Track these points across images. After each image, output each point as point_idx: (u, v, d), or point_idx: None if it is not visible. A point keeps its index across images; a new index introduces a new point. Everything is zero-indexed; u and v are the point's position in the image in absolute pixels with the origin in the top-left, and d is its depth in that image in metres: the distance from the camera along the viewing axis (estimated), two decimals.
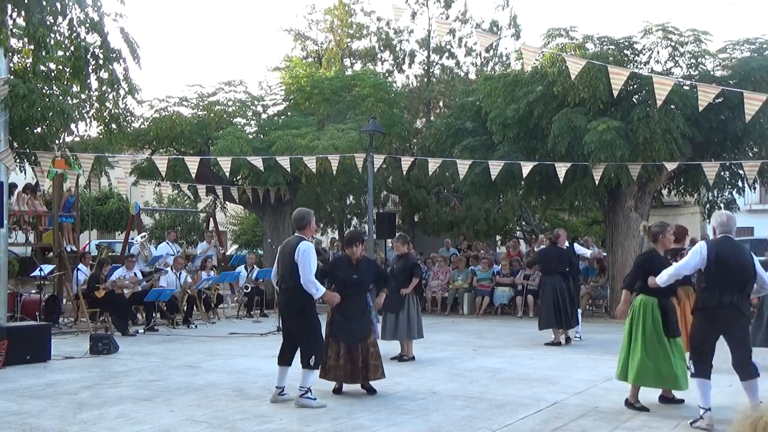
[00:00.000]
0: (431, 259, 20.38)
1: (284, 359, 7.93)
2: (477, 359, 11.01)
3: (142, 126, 20.13)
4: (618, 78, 12.64)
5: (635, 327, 7.45)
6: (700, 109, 12.71)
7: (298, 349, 7.81)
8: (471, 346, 12.26)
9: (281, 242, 8.84)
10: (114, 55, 14.09)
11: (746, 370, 6.68)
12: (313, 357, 7.65)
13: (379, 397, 8.14)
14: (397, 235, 14.23)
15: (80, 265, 15.49)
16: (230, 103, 21.35)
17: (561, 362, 10.67)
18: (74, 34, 13.05)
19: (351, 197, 27.37)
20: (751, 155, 16.98)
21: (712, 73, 16.63)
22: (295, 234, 7.95)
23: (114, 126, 15.92)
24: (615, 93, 13.21)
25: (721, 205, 18.88)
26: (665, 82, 12.51)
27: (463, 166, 16.70)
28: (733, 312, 6.63)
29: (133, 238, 18.98)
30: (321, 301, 8.05)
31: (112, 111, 15.57)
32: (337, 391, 8.39)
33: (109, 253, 24.60)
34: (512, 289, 18.32)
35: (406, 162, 18.57)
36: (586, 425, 6.80)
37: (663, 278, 7.07)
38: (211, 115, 20.55)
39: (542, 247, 14.59)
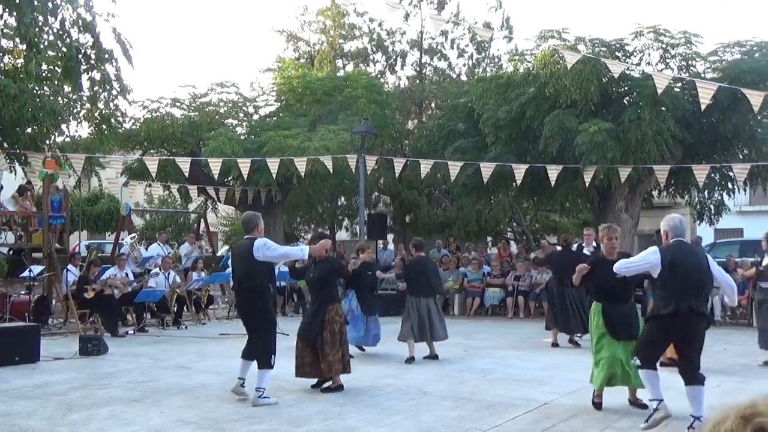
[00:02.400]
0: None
1: (247, 354, 8.04)
2: (467, 360, 11.01)
3: (134, 127, 20.08)
4: (616, 68, 12.82)
5: (594, 332, 7.57)
6: (702, 107, 12.81)
7: (254, 347, 7.95)
8: (461, 347, 12.26)
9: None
10: (106, 56, 14.07)
11: (692, 375, 6.54)
12: (272, 357, 7.81)
13: (369, 397, 8.14)
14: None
15: (70, 266, 15.42)
16: (222, 104, 21.34)
17: (551, 363, 10.69)
18: (66, 35, 13.02)
19: (342, 198, 27.37)
20: (741, 157, 17.08)
21: (703, 75, 16.73)
22: (246, 237, 8.18)
23: (105, 126, 15.88)
24: (616, 75, 13.31)
25: (711, 207, 19.00)
26: (663, 77, 12.69)
27: (454, 168, 16.73)
28: (692, 317, 6.46)
29: (123, 239, 18.91)
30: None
31: (104, 111, 15.53)
32: (319, 384, 8.54)
33: (99, 254, 24.50)
34: (503, 290, 18.33)
35: (398, 163, 18.61)
36: (576, 425, 6.82)
37: (619, 267, 6.89)
38: (203, 115, 20.53)
39: (558, 248, 14.37)
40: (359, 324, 11.23)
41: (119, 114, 16.39)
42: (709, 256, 7.01)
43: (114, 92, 14.80)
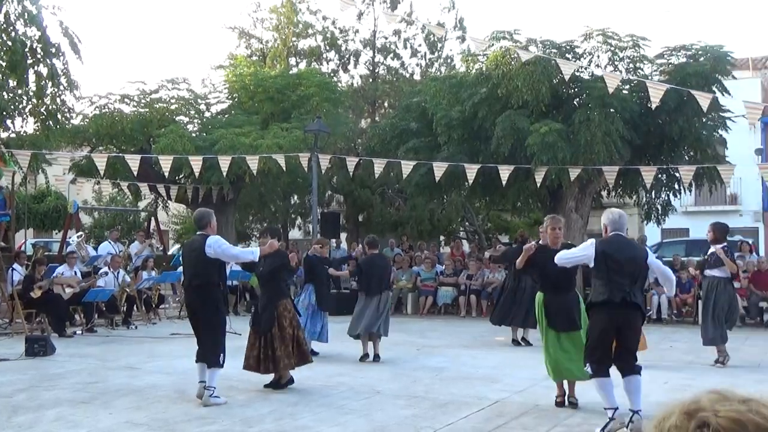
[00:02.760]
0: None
1: (201, 357, 7.99)
2: (420, 359, 11.06)
3: (82, 123, 19.70)
4: (567, 68, 13.01)
5: (540, 325, 7.70)
6: (653, 106, 13.07)
7: (203, 345, 7.96)
8: (414, 346, 12.31)
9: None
10: (53, 50, 13.77)
11: (630, 365, 6.65)
12: (221, 356, 7.82)
13: (322, 396, 8.12)
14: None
15: (15, 265, 15.06)
16: (173, 100, 21.06)
17: (503, 361, 10.80)
18: (11, 28, 12.71)
19: (295, 197, 27.25)
20: (686, 159, 17.45)
21: (650, 77, 17.05)
22: (198, 233, 8.20)
23: (52, 122, 15.54)
24: (567, 77, 13.49)
25: (659, 207, 19.36)
26: (614, 77, 12.94)
27: (407, 167, 16.78)
28: (626, 308, 6.60)
29: (70, 238, 18.54)
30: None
31: (50, 107, 15.19)
32: (272, 384, 8.52)
33: (46, 253, 23.97)
34: (455, 289, 18.46)
35: (351, 162, 18.60)
36: (528, 423, 6.90)
37: (559, 258, 7.02)
38: (153, 112, 20.23)
39: (513, 246, 14.43)
40: (317, 320, 11.25)
41: (67, 109, 16.04)
42: (649, 250, 7.17)
43: (61, 87, 14.48)
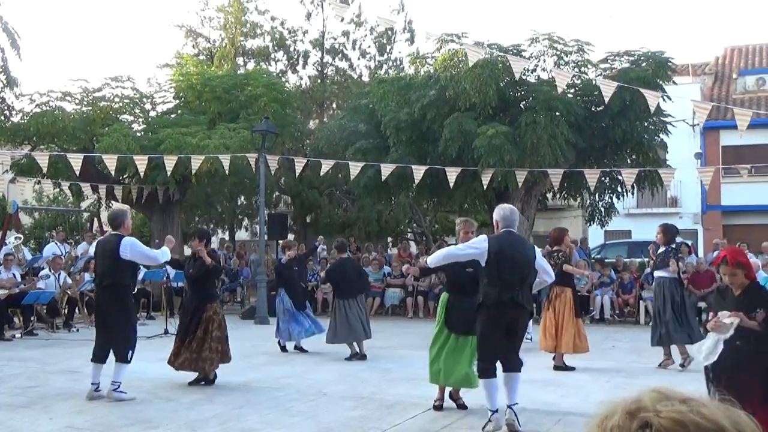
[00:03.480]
0: (325, 260, 20.35)
1: (100, 357, 8.06)
2: (368, 360, 11.06)
3: (22, 121, 19.20)
4: (518, 66, 13.26)
5: (437, 323, 7.66)
6: (606, 100, 13.36)
7: (112, 342, 8.03)
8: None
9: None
10: None
11: (513, 364, 6.69)
12: (129, 352, 7.91)
13: (269, 398, 8.06)
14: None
15: None
16: (117, 99, 20.66)
17: None
18: None
19: (242, 198, 27.02)
20: (629, 162, 17.81)
21: (594, 82, 17.36)
22: (112, 233, 8.22)
23: None
24: (517, 76, 13.75)
25: (602, 209, 19.71)
26: (564, 75, 13.24)
27: (355, 168, 16.77)
28: (515, 308, 6.60)
29: (8, 239, 18.06)
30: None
31: None
32: (197, 381, 8.64)
33: None
34: (403, 290, 18.52)
35: (299, 163, 18.50)
36: (473, 423, 6.95)
37: (432, 258, 6.99)
38: (97, 111, 19.82)
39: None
40: (300, 319, 11.40)
41: (6, 107, 15.64)
42: (536, 247, 7.17)
43: (0, 84, 14.11)
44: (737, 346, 5.35)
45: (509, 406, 6.60)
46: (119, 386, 7.82)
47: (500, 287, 6.53)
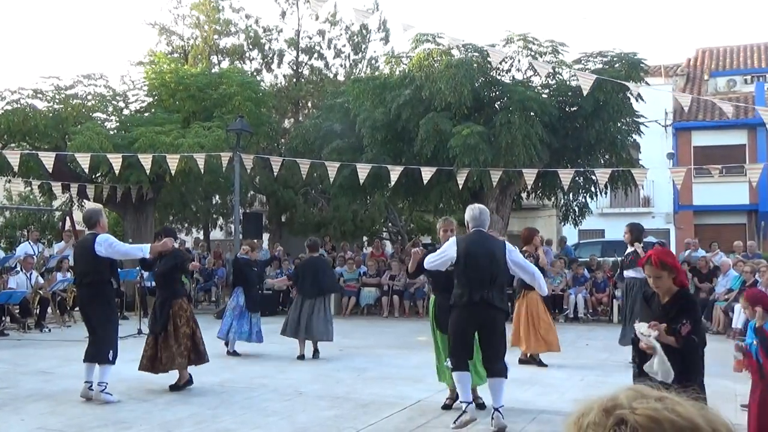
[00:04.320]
0: (299, 259, 20.28)
1: (92, 356, 8.06)
2: (343, 359, 11.07)
3: None
4: (496, 57, 13.44)
5: (432, 326, 7.77)
6: (585, 93, 13.51)
7: (94, 341, 8.06)
8: (337, 347, 12.29)
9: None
10: None
11: (496, 368, 6.69)
12: (110, 352, 7.92)
13: (244, 398, 8.04)
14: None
15: None
16: (89, 97, 20.44)
17: (425, 361, 10.83)
18: None
19: (217, 197, 26.87)
20: (602, 162, 17.96)
21: (568, 82, 17.48)
22: (88, 232, 8.32)
23: None
24: (497, 62, 13.97)
25: (576, 209, 19.86)
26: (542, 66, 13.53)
27: (332, 169, 16.76)
28: (485, 308, 6.56)
29: None
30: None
31: None
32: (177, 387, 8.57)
33: None
34: (378, 290, 18.53)
35: (275, 162, 18.45)
36: (449, 422, 6.97)
37: (427, 264, 7.00)
38: (69, 109, 19.59)
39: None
40: (244, 321, 11.33)
41: None
42: (511, 246, 7.09)
43: None
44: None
45: (496, 409, 6.63)
46: (106, 387, 7.82)
47: (470, 287, 6.53)
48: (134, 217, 20.33)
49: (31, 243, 17.76)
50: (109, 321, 8.10)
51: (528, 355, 10.27)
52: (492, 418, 6.61)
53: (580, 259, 19.12)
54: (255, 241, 14.69)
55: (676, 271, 4.89)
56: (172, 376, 8.67)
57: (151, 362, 8.53)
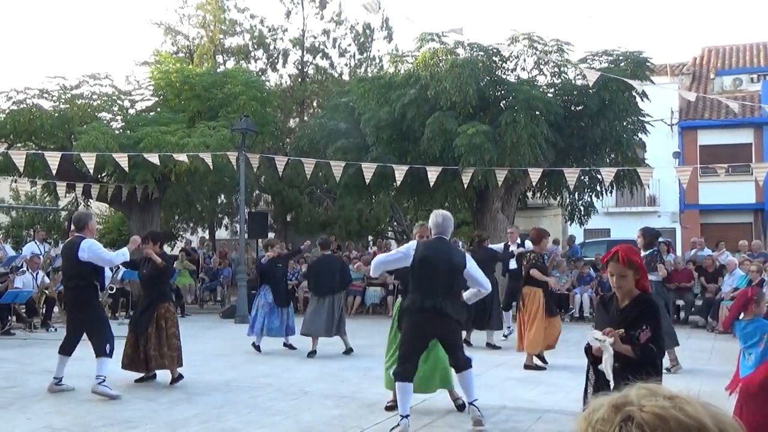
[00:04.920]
0: (304, 259, 20.30)
1: (66, 349, 8.34)
2: (348, 359, 11.07)
3: None
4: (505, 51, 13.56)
5: (391, 329, 7.69)
6: (590, 84, 13.55)
7: (89, 340, 8.27)
8: (342, 346, 12.29)
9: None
10: None
11: (459, 364, 6.61)
12: (107, 345, 8.11)
13: (249, 398, 8.04)
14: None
15: None
16: (95, 96, 20.50)
17: None
18: None
19: (222, 196, 26.91)
20: (608, 161, 17.92)
21: (573, 81, 17.44)
22: (76, 235, 8.46)
23: None
24: (507, 54, 14.00)
25: (581, 208, 19.82)
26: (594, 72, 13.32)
27: (337, 168, 16.77)
28: (437, 316, 6.40)
29: None
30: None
31: None
32: (142, 380, 8.88)
33: None
34: (383, 289, 18.52)
35: (280, 162, 18.45)
36: (453, 421, 6.97)
37: (372, 268, 6.95)
38: (74, 108, 19.65)
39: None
40: (275, 317, 11.55)
41: None
42: (470, 257, 6.90)
43: None
44: (615, 369, 4.21)
45: (470, 403, 6.60)
46: (104, 380, 7.97)
47: (423, 294, 6.42)
48: (140, 217, 20.37)
49: (38, 243, 17.80)
50: (96, 319, 8.30)
51: (533, 359, 10.05)
52: (470, 411, 6.60)
53: (585, 259, 19.07)
54: (273, 239, 14.79)
55: (642, 272, 4.45)
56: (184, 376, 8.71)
57: (132, 360, 8.77)
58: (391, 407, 7.29)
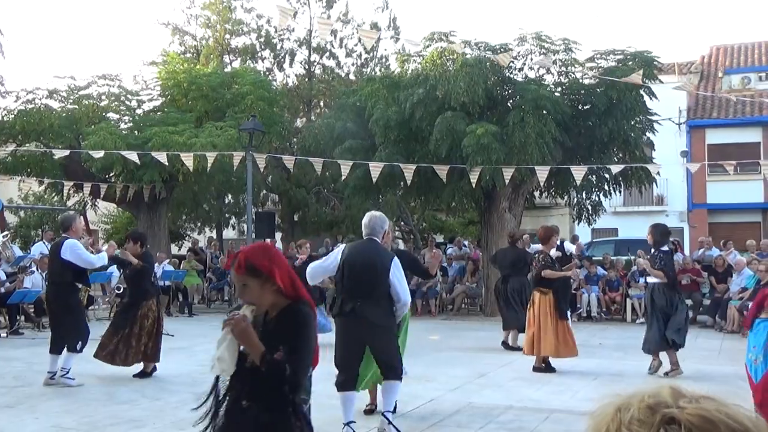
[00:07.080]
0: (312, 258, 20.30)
1: (56, 348, 8.65)
2: None
3: (7, 119, 19.07)
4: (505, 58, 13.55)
5: None
6: (601, 75, 13.58)
7: (52, 332, 8.75)
8: None
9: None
10: None
11: (390, 372, 6.38)
12: (79, 343, 8.54)
13: None
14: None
15: None
16: (103, 97, 20.56)
17: (436, 360, 10.87)
18: None
19: (229, 196, 26.95)
20: (615, 160, 17.86)
21: (581, 80, 17.39)
22: (63, 235, 8.84)
23: None
24: (508, 60, 14.00)
25: (589, 207, 19.76)
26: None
27: (344, 168, 16.76)
28: (358, 320, 6.13)
29: None
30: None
31: None
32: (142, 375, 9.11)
33: None
34: None
35: (288, 162, 18.46)
36: (461, 420, 6.96)
37: (308, 275, 6.59)
38: (83, 109, 19.71)
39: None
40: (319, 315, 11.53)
41: None
42: (398, 262, 6.36)
43: None
44: (241, 407, 3.43)
45: (383, 413, 6.39)
46: (67, 372, 8.49)
47: (343, 296, 6.23)
48: (147, 217, 20.41)
49: (46, 243, 17.82)
50: (73, 318, 8.68)
51: (541, 362, 9.87)
52: (382, 421, 6.36)
53: (593, 258, 19.02)
54: (303, 240, 14.73)
55: (274, 277, 3.22)
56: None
57: (111, 355, 9.02)
58: (370, 410, 7.21)
